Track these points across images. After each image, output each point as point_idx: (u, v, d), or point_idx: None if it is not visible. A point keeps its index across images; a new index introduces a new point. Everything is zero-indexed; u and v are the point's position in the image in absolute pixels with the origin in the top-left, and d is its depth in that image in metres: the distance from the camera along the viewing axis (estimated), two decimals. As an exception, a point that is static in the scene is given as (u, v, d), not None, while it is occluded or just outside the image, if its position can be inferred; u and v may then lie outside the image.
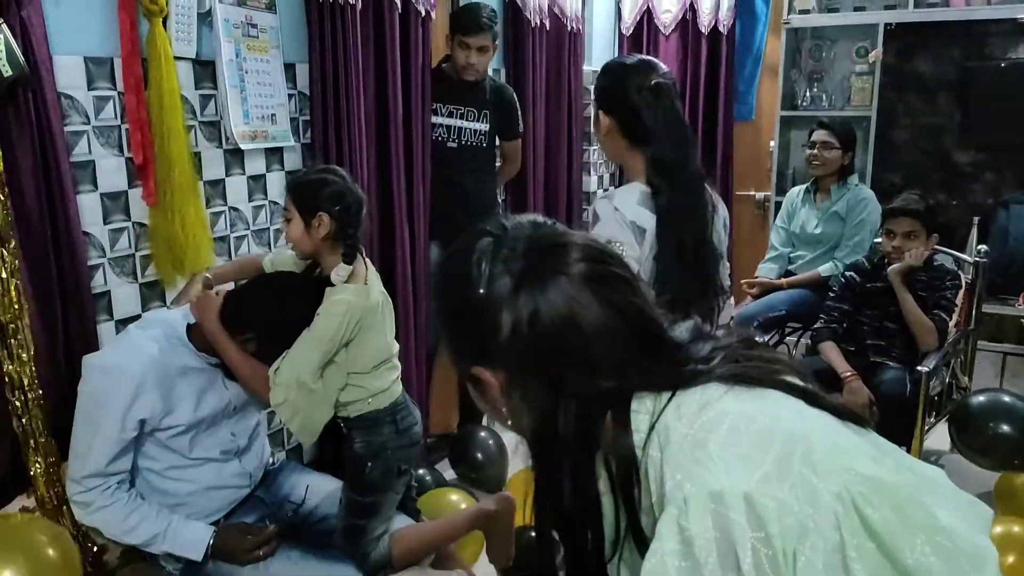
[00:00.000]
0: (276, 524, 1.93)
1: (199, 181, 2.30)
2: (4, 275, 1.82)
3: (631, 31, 4.54)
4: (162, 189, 2.19)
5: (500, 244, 0.86)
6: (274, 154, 2.59)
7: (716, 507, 0.70)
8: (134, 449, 1.82)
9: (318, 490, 2.09)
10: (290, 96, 2.58)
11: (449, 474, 3.05)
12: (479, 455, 2.98)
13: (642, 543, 0.80)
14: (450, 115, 3.19)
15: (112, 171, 2.11)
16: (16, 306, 1.84)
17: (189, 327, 1.88)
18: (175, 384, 1.82)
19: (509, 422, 0.88)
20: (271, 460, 2.20)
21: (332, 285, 1.84)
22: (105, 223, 2.11)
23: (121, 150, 2.13)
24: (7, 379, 1.85)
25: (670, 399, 0.81)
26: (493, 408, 0.89)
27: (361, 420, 1.97)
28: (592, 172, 4.54)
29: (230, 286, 2.14)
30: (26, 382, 1.85)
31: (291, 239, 1.90)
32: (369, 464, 1.98)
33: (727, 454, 0.73)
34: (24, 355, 1.86)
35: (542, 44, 3.73)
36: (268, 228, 2.60)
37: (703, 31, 4.54)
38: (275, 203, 2.61)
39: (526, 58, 3.61)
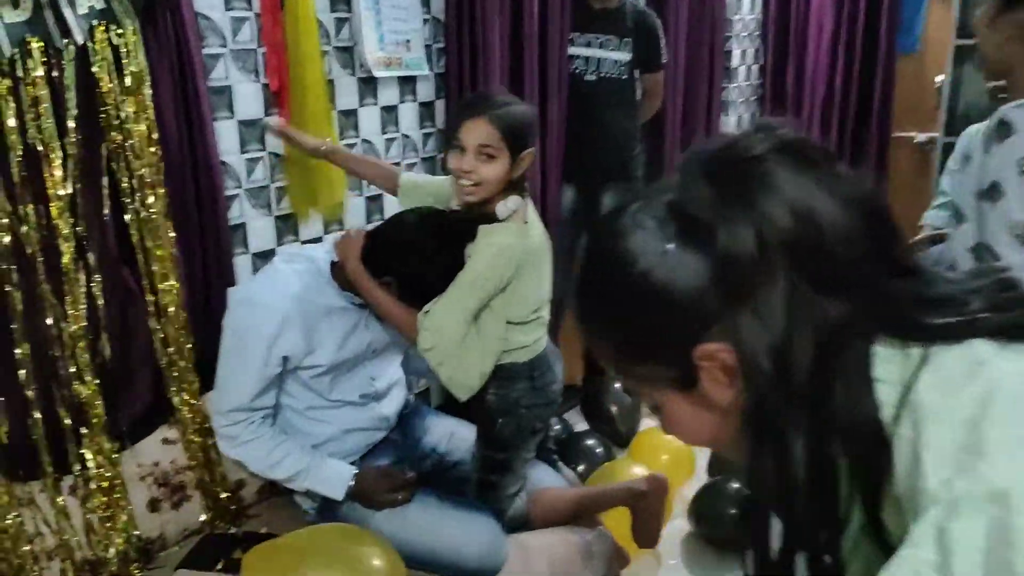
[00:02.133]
0: (414, 471, 1.90)
1: (333, 110, 2.26)
2: (154, 205, 1.83)
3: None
4: (298, 118, 2.15)
5: (656, 193, 0.66)
6: (407, 84, 2.52)
7: (997, 511, 0.54)
8: (277, 386, 1.81)
9: (462, 443, 2.05)
10: (424, 21, 2.50)
11: (580, 427, 2.98)
12: (613, 408, 2.89)
13: (880, 537, 0.65)
14: (588, 45, 3.02)
15: (248, 97, 2.09)
16: (161, 231, 1.86)
17: (333, 264, 1.84)
18: (318, 323, 1.79)
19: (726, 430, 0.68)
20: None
21: (486, 223, 1.76)
22: (242, 152, 2.10)
23: (257, 75, 2.10)
24: (151, 307, 1.87)
25: (923, 361, 0.62)
26: (710, 422, 0.68)
27: (496, 371, 1.89)
28: (731, 112, 4.30)
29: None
30: (171, 311, 1.86)
31: (485, 180, 1.71)
32: (500, 420, 1.91)
33: (1011, 438, 0.56)
34: (168, 284, 1.88)
35: (686, -34, 3.50)
36: (400, 163, 2.54)
37: (864, -49, 4.17)
38: (407, 136, 2.55)
39: (669, -19, 3.40)
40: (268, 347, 1.73)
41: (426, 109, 2.60)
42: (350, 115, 2.36)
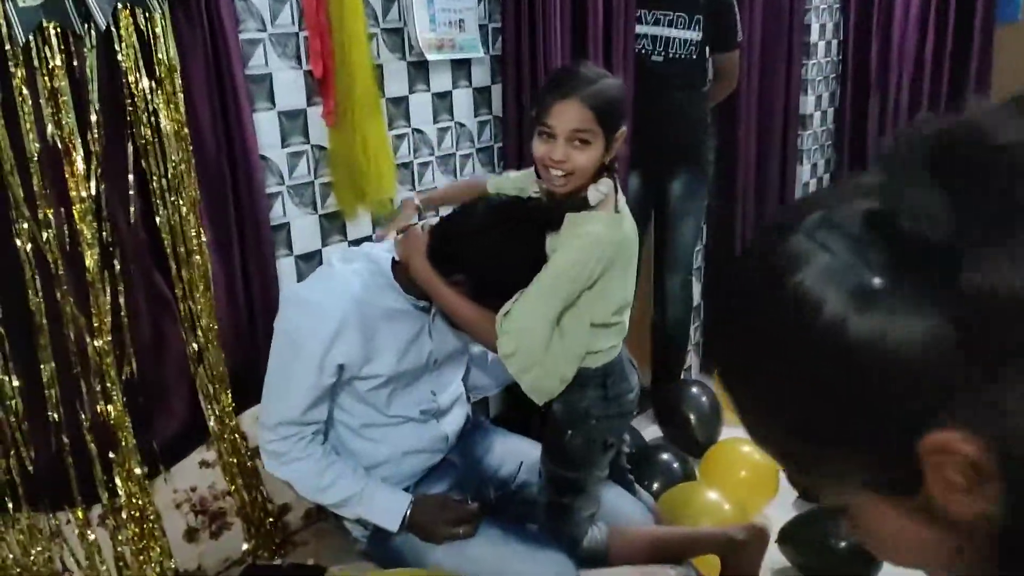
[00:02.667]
0: (478, 501, 1.71)
1: (381, 98, 2.08)
2: (186, 206, 1.68)
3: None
4: (343, 107, 1.98)
5: (845, 198, 0.45)
6: (461, 68, 2.32)
7: None
8: (330, 398, 1.65)
9: (527, 462, 1.85)
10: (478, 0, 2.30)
11: (650, 432, 2.76)
12: (691, 414, 2.66)
13: None
14: (656, 23, 2.78)
15: (290, 86, 1.92)
16: (195, 234, 1.70)
17: (395, 263, 1.66)
18: (378, 328, 1.62)
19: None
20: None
21: (573, 210, 1.56)
22: (283, 146, 1.93)
23: (299, 61, 1.93)
24: (183, 317, 1.72)
25: None
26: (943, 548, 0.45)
27: None
28: (810, 91, 4.00)
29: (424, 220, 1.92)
30: (204, 321, 1.71)
31: (579, 169, 1.51)
32: (569, 432, 1.70)
33: None
34: (201, 291, 1.73)
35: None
36: (454, 154, 2.36)
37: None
38: (461, 125, 2.36)
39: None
40: (323, 353, 1.56)
41: (481, 95, 2.40)
42: (399, 103, 2.18)
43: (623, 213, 1.60)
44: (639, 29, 2.72)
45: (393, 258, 1.66)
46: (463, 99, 2.35)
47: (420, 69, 2.21)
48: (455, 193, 1.94)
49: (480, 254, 1.54)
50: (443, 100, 2.29)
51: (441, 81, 2.28)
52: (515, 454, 1.90)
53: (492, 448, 1.91)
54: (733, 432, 2.83)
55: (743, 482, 2.46)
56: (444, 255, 1.58)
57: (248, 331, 1.83)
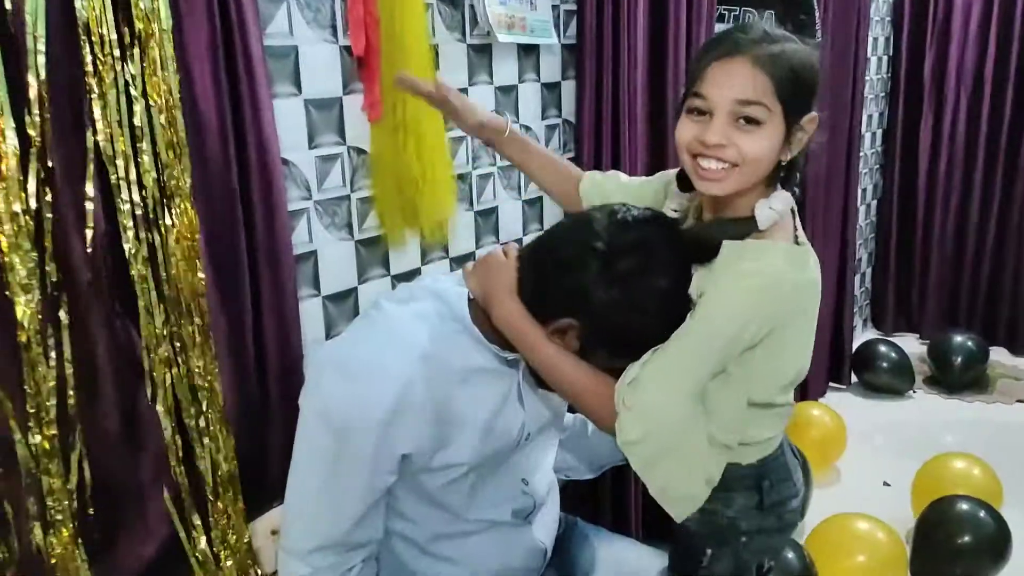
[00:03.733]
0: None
1: (437, 88, 1.51)
2: (175, 228, 1.10)
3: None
4: (391, 98, 1.41)
5: None
6: (529, 56, 1.77)
7: None
8: (386, 504, 1.07)
9: None
10: (551, -28, 1.75)
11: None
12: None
13: None
14: (736, 19, 2.33)
15: (322, 65, 1.35)
16: (186, 268, 1.12)
17: (471, 303, 1.09)
18: (454, 397, 1.05)
19: None
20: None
21: (736, 235, 1.01)
22: (311, 146, 1.36)
23: (334, 33, 1.36)
24: (165, 390, 1.13)
25: None
26: None
27: None
28: (863, 109, 3.52)
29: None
30: (204, 402, 1.12)
31: (746, 159, 0.99)
32: (709, 552, 1.14)
33: None
34: (197, 349, 1.15)
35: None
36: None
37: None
38: (527, 128, 1.80)
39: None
40: (379, 442, 0.99)
41: (550, 92, 1.84)
42: (458, 97, 1.62)
43: (805, 246, 1.04)
44: (719, 28, 2.22)
45: (469, 295, 1.09)
46: (530, 96, 1.79)
47: (482, 55, 1.65)
48: (535, 160, 1.31)
49: (599, 292, 0.97)
50: (507, 96, 1.73)
51: (506, 72, 1.72)
52: (626, 565, 1.33)
53: (597, 560, 1.33)
54: (825, 502, 2.28)
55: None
56: (544, 291, 1.02)
57: (260, 405, 1.25)
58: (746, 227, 1.02)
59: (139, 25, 1.05)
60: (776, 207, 1.01)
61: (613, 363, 1.00)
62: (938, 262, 3.80)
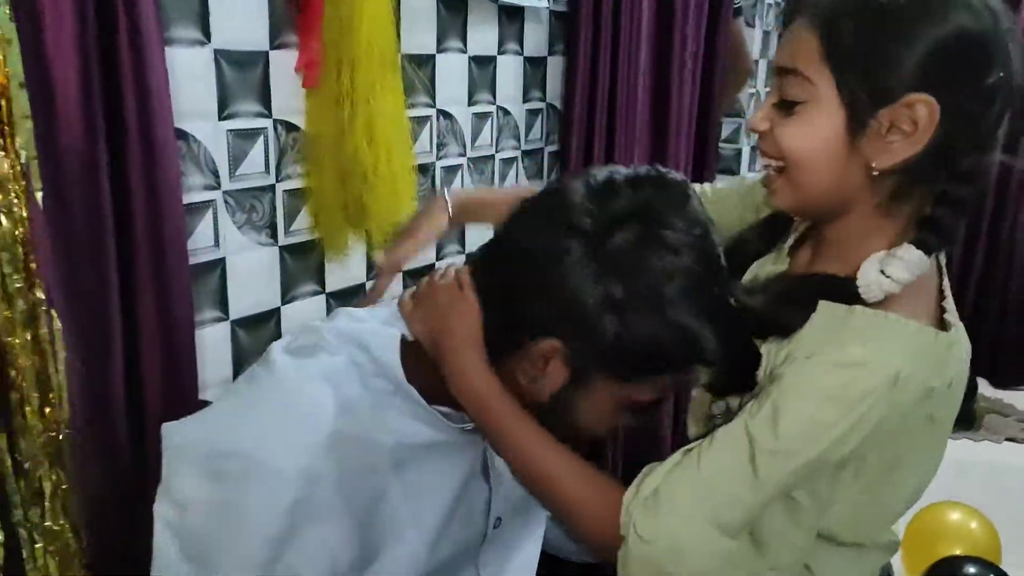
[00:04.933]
0: None
1: (398, 52, 1.16)
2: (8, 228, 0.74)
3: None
4: (334, 58, 1.07)
5: None
6: (512, 21, 1.44)
7: None
8: None
9: None
10: (543, -81, 1.43)
11: None
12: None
13: None
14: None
15: (242, 5, 1.00)
16: (18, 279, 0.77)
17: (408, 347, 0.75)
18: (386, 490, 0.72)
19: None
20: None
21: (836, 295, 0.68)
22: (221, 116, 1.00)
23: (261, -37, 1.01)
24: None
25: None
26: None
27: None
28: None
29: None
30: (30, 465, 0.77)
31: (786, 152, 0.69)
32: None
33: None
34: (29, 403, 0.79)
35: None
36: (493, 156, 1.46)
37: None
38: (504, 111, 1.47)
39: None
40: (268, 562, 0.65)
41: (534, 69, 1.52)
42: (424, 64, 1.27)
43: (953, 329, 0.69)
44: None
45: (404, 337, 0.76)
46: (510, 72, 1.46)
47: (456, 15, 1.31)
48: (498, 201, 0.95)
49: (587, 287, 0.64)
50: (483, 69, 1.40)
51: (483, 39, 1.39)
52: None
53: None
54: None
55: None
56: (505, 308, 0.70)
57: (128, 491, 0.89)
58: (840, 292, 0.69)
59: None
60: (893, 273, 0.66)
61: (626, 394, 0.69)
62: (1017, 311, 3.57)
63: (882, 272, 0.66)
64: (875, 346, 0.64)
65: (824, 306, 0.68)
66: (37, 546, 0.78)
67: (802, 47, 0.67)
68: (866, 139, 0.66)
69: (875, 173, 0.67)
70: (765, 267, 0.81)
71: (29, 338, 0.79)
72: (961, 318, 0.72)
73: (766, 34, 2.49)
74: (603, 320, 0.64)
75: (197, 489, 0.66)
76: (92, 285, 0.85)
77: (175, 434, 0.70)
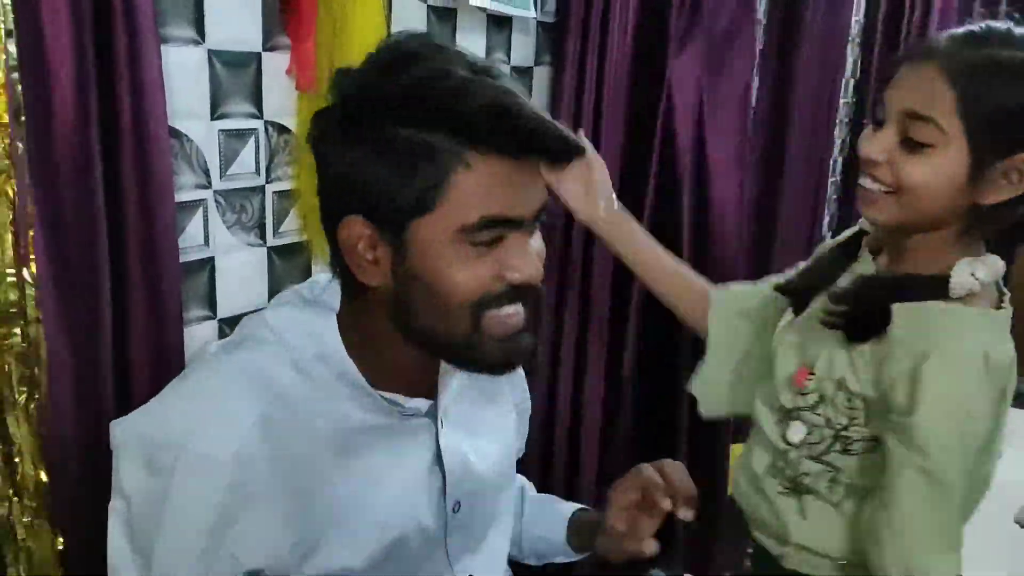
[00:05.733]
0: None
1: (388, 57, 1.19)
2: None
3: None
4: (328, 59, 1.09)
5: None
6: (500, 30, 1.47)
7: None
8: None
9: None
10: (532, -69, 1.46)
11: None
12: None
13: None
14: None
15: (236, 6, 1.02)
16: (11, 273, 0.78)
17: (350, 330, 0.74)
18: (327, 475, 0.72)
19: None
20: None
21: (920, 293, 0.84)
22: (214, 116, 1.02)
23: (256, -34, 1.04)
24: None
25: None
26: None
27: None
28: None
29: None
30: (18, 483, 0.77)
31: (907, 185, 0.81)
32: None
33: None
34: (22, 398, 0.80)
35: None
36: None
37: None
38: (492, 120, 1.49)
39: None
40: (206, 560, 0.68)
41: (521, 78, 1.55)
42: (413, 71, 1.30)
43: (1007, 310, 0.86)
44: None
45: (346, 320, 0.75)
46: (498, 80, 1.49)
47: (445, 21, 1.34)
48: (659, 269, 1.08)
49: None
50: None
51: (471, 47, 1.40)
52: None
53: None
54: None
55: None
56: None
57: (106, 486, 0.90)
58: (929, 289, 0.83)
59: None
60: (980, 275, 0.81)
61: (446, 226, 0.66)
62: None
63: (972, 274, 0.81)
64: (966, 335, 0.80)
65: (901, 308, 0.82)
66: (20, 539, 0.79)
67: (937, 98, 0.78)
68: (980, 181, 0.79)
69: (981, 207, 0.81)
70: (854, 271, 0.93)
71: (18, 332, 0.80)
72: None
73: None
74: (382, 172, 0.65)
75: (137, 481, 0.68)
76: (83, 280, 0.86)
77: (118, 429, 0.71)
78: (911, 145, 0.80)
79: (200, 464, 0.67)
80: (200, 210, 1.02)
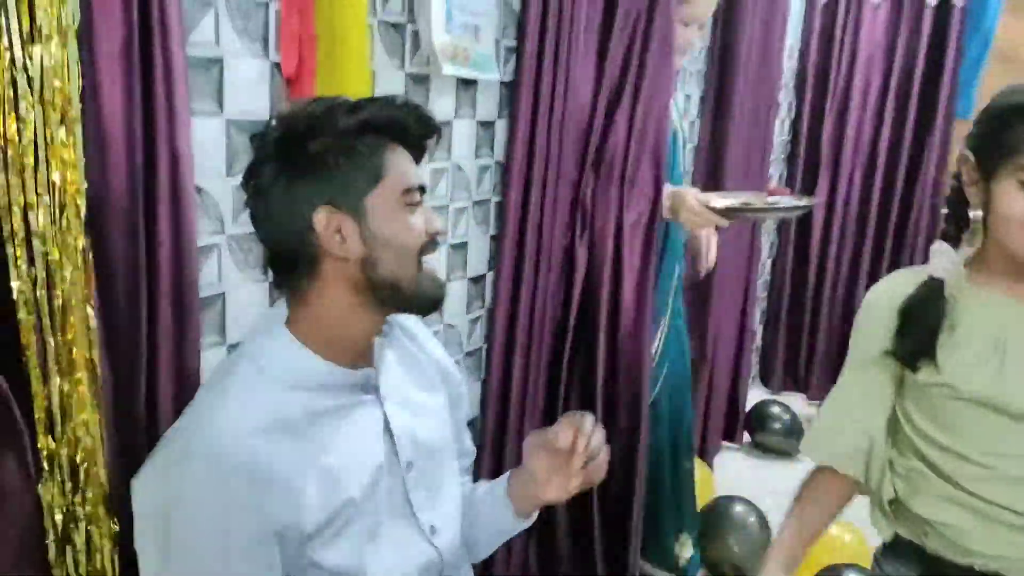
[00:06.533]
0: None
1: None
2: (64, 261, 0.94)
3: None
4: (323, 124, 1.30)
5: None
6: (467, 90, 1.70)
7: None
8: None
9: None
10: (495, 4, 1.70)
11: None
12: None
13: None
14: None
15: (248, 81, 1.23)
16: (75, 307, 0.97)
17: (298, 320, 0.97)
18: (313, 450, 0.93)
19: None
20: None
21: None
22: (229, 173, 1.22)
23: (266, 48, 1.24)
24: (43, 457, 0.96)
25: None
26: None
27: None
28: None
29: None
30: (82, 477, 0.96)
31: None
32: None
33: None
34: (79, 413, 0.98)
35: None
36: (448, 205, 1.71)
37: (930, 2, 3.64)
38: (459, 168, 1.72)
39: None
40: (258, 525, 0.88)
41: (485, 131, 1.78)
42: (392, 129, 1.52)
43: None
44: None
45: (290, 322, 0.97)
46: (465, 133, 1.72)
47: (420, 85, 1.56)
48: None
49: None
50: (443, 131, 1.65)
51: (442, 105, 1.64)
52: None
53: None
54: None
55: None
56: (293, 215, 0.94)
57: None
58: None
59: (39, 15, 0.90)
60: None
61: (385, 195, 0.93)
62: (827, 324, 3.98)
63: None
64: None
65: None
66: (83, 527, 0.97)
67: None
68: None
69: None
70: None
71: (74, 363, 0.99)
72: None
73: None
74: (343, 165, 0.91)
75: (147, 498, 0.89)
76: (128, 314, 1.05)
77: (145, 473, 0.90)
78: None
79: (210, 459, 0.86)
80: (215, 253, 1.22)
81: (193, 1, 1.12)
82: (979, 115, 1.15)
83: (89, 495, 0.99)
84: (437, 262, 0.94)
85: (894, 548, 1.27)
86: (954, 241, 1.19)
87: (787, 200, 1.96)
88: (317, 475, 0.91)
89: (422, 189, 0.97)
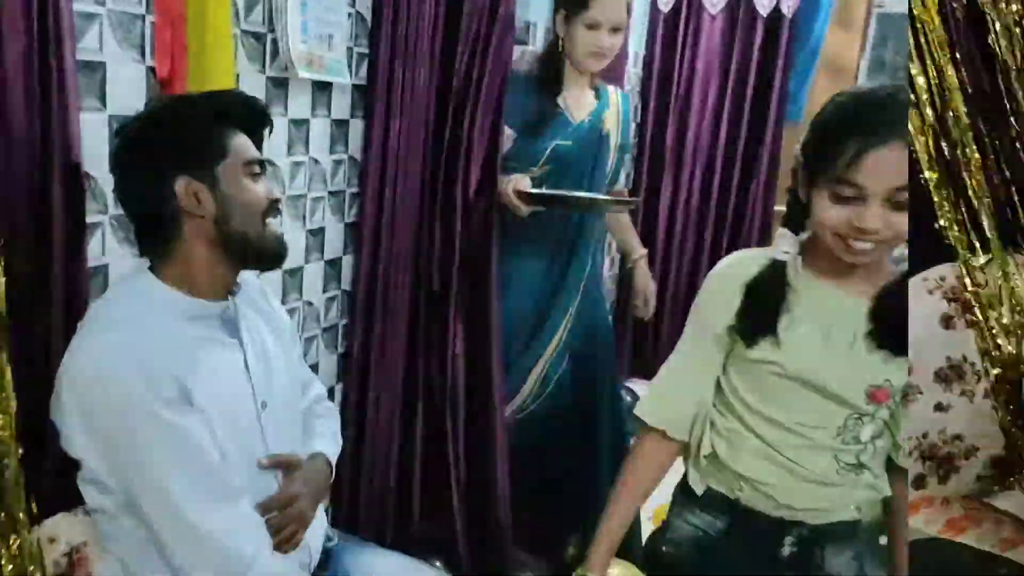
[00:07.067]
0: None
1: (237, 116, 1.68)
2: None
3: (670, 5, 4.13)
4: (194, 120, 1.57)
5: None
6: (323, 92, 1.99)
7: None
8: None
9: None
10: (348, 15, 2.00)
11: None
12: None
13: None
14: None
15: (127, 83, 1.48)
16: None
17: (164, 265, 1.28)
18: (188, 375, 1.20)
19: None
20: (330, 536, 1.53)
21: None
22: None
23: (143, 54, 1.50)
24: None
25: None
26: None
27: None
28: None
29: None
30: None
31: (900, 236, 1.19)
32: None
33: None
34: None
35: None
36: (306, 195, 1.99)
37: (761, 13, 4.15)
38: (316, 161, 2.01)
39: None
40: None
41: (339, 129, 2.07)
42: (255, 125, 1.79)
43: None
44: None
45: (154, 268, 1.29)
46: (320, 131, 2.01)
47: (280, 88, 1.85)
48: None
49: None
50: (299, 129, 1.94)
51: (300, 105, 1.93)
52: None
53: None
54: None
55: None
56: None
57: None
58: None
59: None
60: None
61: (228, 173, 1.26)
62: (671, 313, 4.47)
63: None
64: None
65: None
66: None
67: (905, 168, 1.10)
68: None
69: None
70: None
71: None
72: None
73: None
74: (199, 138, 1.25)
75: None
76: (28, 283, 1.29)
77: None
78: (898, 205, 1.11)
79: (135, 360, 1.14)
80: (99, 231, 1.47)
81: (81, 15, 1.37)
82: (810, 123, 1.25)
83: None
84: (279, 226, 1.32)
85: (702, 500, 1.44)
86: (796, 227, 1.31)
87: (601, 196, 2.31)
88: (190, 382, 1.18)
89: (261, 164, 1.30)
